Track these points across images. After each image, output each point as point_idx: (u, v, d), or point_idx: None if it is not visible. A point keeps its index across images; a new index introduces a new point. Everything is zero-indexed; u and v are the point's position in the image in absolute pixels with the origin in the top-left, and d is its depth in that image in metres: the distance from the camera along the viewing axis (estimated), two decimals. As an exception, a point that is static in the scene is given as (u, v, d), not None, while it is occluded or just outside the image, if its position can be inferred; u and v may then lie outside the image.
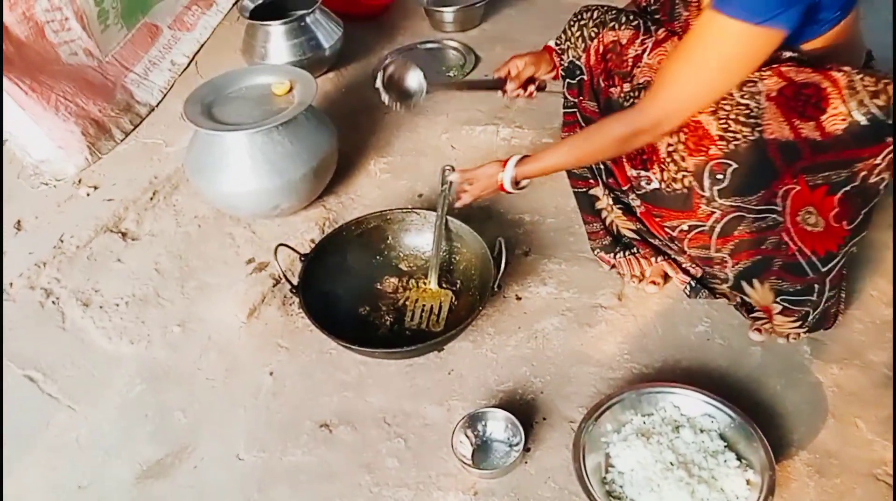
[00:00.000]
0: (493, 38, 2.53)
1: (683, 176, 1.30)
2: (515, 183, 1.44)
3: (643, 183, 1.38)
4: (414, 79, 1.56)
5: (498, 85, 1.62)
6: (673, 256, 1.57)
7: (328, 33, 2.33)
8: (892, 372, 1.39)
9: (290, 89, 1.84)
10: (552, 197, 1.89)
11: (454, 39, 2.53)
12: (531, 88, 1.62)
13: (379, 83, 1.53)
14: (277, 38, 2.28)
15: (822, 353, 1.44)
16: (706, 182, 1.27)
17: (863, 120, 1.13)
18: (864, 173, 1.19)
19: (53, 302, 1.76)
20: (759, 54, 1.15)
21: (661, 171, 1.32)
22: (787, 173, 1.23)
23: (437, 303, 1.61)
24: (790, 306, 1.38)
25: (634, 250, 1.60)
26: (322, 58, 2.34)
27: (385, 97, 1.54)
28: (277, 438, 1.43)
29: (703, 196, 1.29)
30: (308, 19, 2.29)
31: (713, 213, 1.31)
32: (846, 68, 1.15)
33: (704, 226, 1.34)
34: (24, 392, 1.56)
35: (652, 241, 1.56)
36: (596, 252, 1.65)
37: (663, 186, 1.34)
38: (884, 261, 1.58)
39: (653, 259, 1.60)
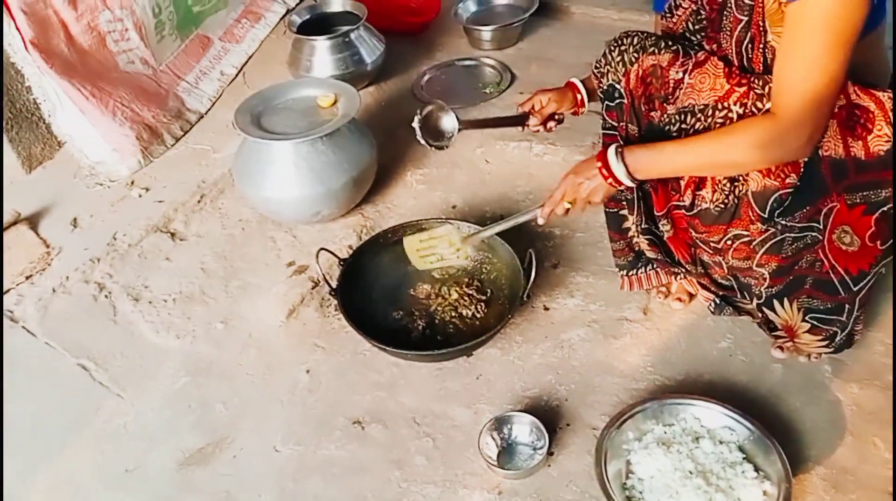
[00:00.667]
0: (529, 56, 2.60)
1: (739, 197, 1.35)
2: (631, 176, 1.32)
3: (696, 201, 1.41)
4: (448, 122, 1.64)
5: (521, 120, 1.68)
6: (695, 278, 1.61)
7: (371, 49, 2.42)
8: (892, 380, 1.42)
9: (335, 102, 1.93)
10: (583, 213, 1.94)
11: (491, 57, 2.61)
12: (550, 123, 1.68)
13: (416, 124, 1.61)
14: (322, 53, 2.38)
15: (843, 372, 1.47)
16: (770, 205, 1.32)
17: None
18: None
19: (106, 296, 1.87)
20: (857, 23, 1.11)
21: (713, 192, 1.37)
22: (834, 191, 1.28)
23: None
24: (819, 325, 1.42)
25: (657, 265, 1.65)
26: (364, 72, 2.42)
27: (420, 137, 1.62)
28: (312, 432, 1.50)
29: (760, 216, 1.34)
30: (352, 35, 2.39)
31: (767, 231, 1.35)
32: (890, 91, 1.19)
33: (752, 238, 1.38)
34: (77, 380, 1.66)
35: (674, 268, 1.60)
36: (620, 273, 1.68)
37: (712, 206, 1.40)
38: (908, 285, 1.61)
39: (674, 278, 1.64)
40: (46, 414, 1.59)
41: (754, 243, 1.39)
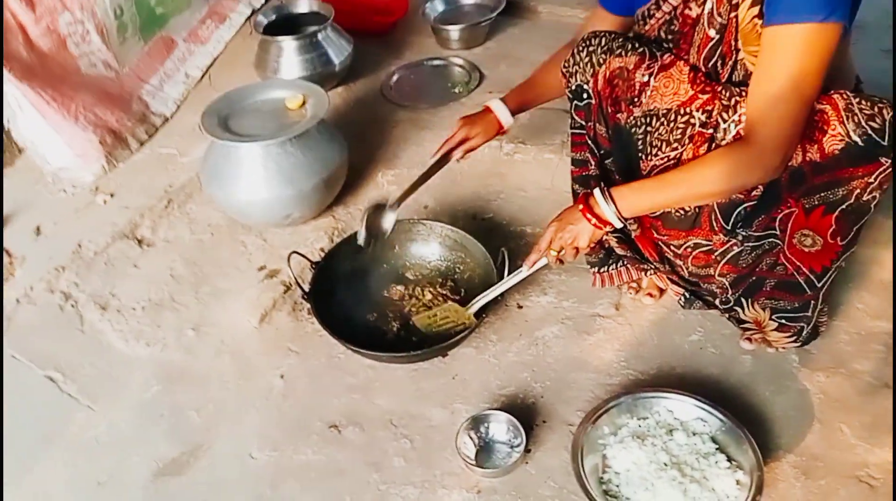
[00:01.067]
0: (497, 55, 2.61)
1: (700, 206, 1.38)
2: (622, 217, 1.32)
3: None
4: (387, 221, 1.66)
5: (445, 161, 1.70)
6: (664, 274, 1.63)
7: (339, 49, 2.41)
8: (893, 381, 1.45)
9: (304, 103, 1.91)
10: (553, 210, 1.90)
11: (460, 56, 2.60)
12: (468, 145, 1.69)
13: (360, 233, 1.64)
14: (290, 53, 2.35)
15: (810, 362, 1.51)
16: (734, 218, 1.36)
17: (859, 141, 1.19)
18: (857, 191, 1.24)
19: (72, 305, 1.83)
20: (834, 44, 1.13)
21: None
22: (790, 198, 1.31)
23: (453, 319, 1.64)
24: (786, 323, 1.45)
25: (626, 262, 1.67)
26: (332, 73, 2.41)
27: (362, 240, 1.64)
28: (288, 437, 1.49)
29: (723, 228, 1.37)
30: (319, 35, 2.37)
31: (728, 242, 1.39)
32: (843, 92, 1.21)
33: (712, 248, 1.42)
34: (44, 392, 1.62)
35: (643, 264, 1.63)
36: (591, 270, 1.70)
37: (672, 211, 1.42)
38: (868, 275, 1.65)
39: (645, 274, 1.67)
40: (15, 429, 1.54)
41: (716, 254, 1.43)
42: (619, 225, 1.34)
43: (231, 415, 1.55)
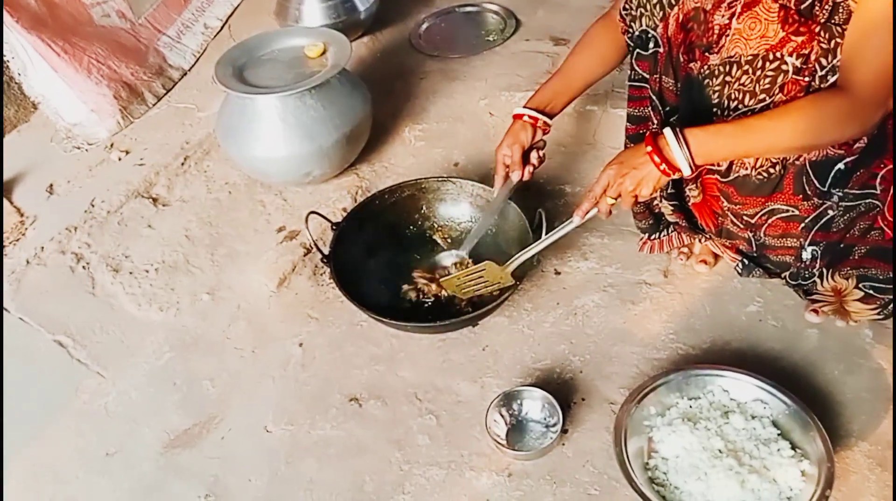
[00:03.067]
0: (534, 0, 2.42)
1: (786, 166, 1.21)
2: (693, 162, 1.15)
3: (735, 166, 1.27)
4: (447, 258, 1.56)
5: (513, 188, 1.50)
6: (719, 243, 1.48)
7: (364, -5, 2.26)
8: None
9: (324, 52, 1.77)
10: (594, 167, 1.80)
11: (494, 3, 2.43)
12: (533, 160, 1.48)
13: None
14: (312, 1, 2.21)
15: (885, 337, 1.35)
16: (832, 177, 1.18)
17: None
18: None
19: (84, 267, 1.75)
20: None
21: (758, 158, 1.22)
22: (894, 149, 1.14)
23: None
24: (874, 294, 1.29)
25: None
26: (357, 21, 2.27)
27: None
28: (306, 411, 1.40)
29: (818, 190, 1.20)
30: (343, -20, 2.22)
31: (820, 206, 1.22)
32: None
33: (795, 215, 1.25)
34: (53, 358, 1.56)
35: (696, 233, 1.47)
36: (641, 237, 1.55)
37: (754, 174, 1.25)
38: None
39: (698, 239, 1.51)
40: (21, 395, 1.49)
41: (806, 221, 1.25)
42: (688, 172, 1.16)
43: (246, 385, 1.46)
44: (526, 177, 1.48)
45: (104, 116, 2.10)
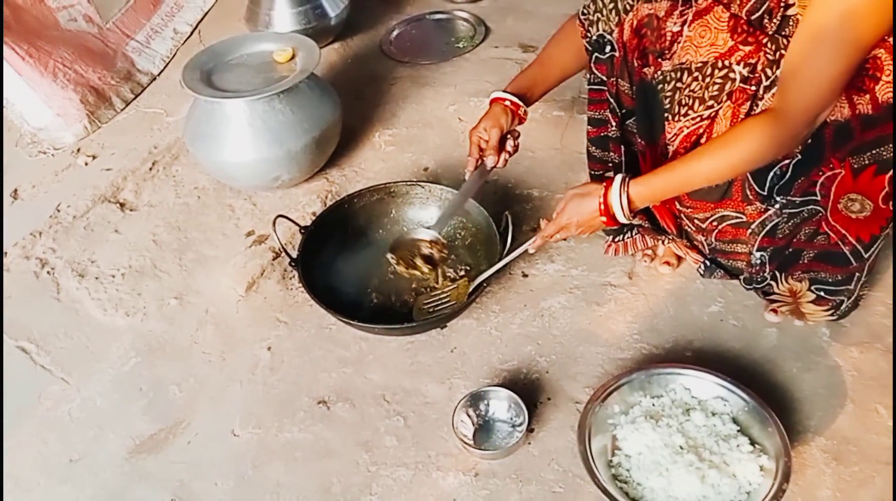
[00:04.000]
0: (504, 8, 2.45)
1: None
2: (632, 211, 1.23)
3: None
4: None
5: (484, 175, 1.47)
6: (681, 244, 1.51)
7: (334, 2, 2.27)
8: (893, 345, 1.34)
9: (293, 57, 1.78)
10: (562, 172, 1.83)
11: (464, 10, 2.46)
12: (508, 147, 1.46)
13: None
14: (282, 6, 2.22)
15: (842, 336, 1.38)
16: (770, 181, 1.21)
17: None
18: None
19: (48, 272, 1.72)
20: (884, 15, 1.02)
21: None
22: (834, 158, 1.17)
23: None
24: (825, 297, 1.33)
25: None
26: (328, 27, 2.27)
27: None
28: (274, 414, 1.39)
29: (759, 195, 1.23)
30: (313, -14, 2.22)
31: (765, 211, 1.25)
32: None
33: (741, 220, 1.29)
34: (16, 364, 1.53)
35: (659, 234, 1.51)
36: (606, 239, 1.58)
37: None
38: (908, 241, 1.51)
39: (661, 241, 1.54)
40: (-18, 402, 1.46)
41: (752, 226, 1.29)
42: (625, 222, 1.25)
43: (214, 390, 1.45)
44: (500, 164, 1.46)
45: (70, 120, 2.07)
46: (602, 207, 1.23)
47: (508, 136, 1.45)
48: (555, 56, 1.45)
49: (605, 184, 1.24)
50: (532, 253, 1.38)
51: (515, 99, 1.41)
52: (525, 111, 1.44)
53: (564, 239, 1.34)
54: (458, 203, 1.50)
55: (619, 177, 1.22)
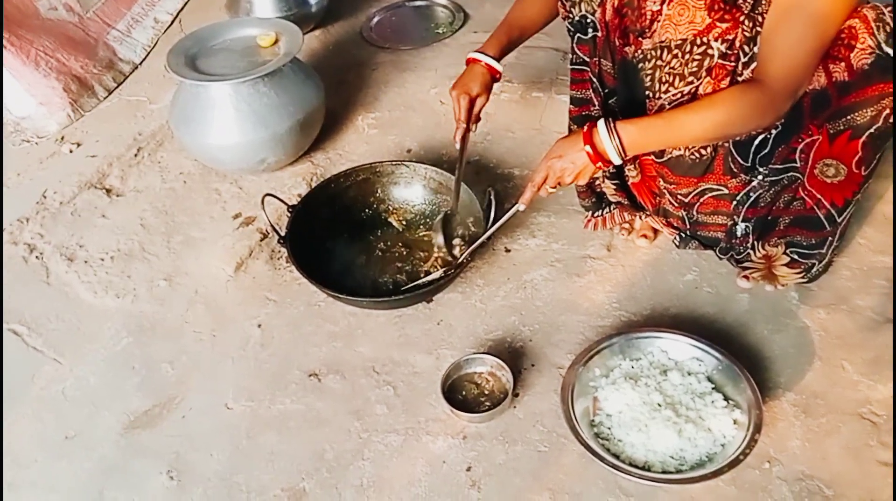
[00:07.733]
0: (482, -6, 2.49)
1: (716, 148, 1.28)
2: (624, 154, 1.20)
3: (668, 149, 1.34)
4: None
5: (468, 138, 1.50)
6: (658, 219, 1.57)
7: (314, -11, 2.29)
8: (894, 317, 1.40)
9: (276, 41, 1.80)
10: (542, 152, 1.81)
11: (443, -4, 2.50)
12: (477, 109, 1.48)
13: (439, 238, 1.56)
14: (262, -7, 2.24)
15: (810, 299, 1.45)
16: (752, 153, 1.26)
17: (892, 52, 1.09)
18: (886, 112, 1.15)
19: (37, 257, 1.74)
20: None
21: None
22: (812, 125, 1.22)
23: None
24: (798, 260, 1.38)
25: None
26: (308, 14, 2.30)
27: (440, 245, 1.57)
28: (266, 387, 1.42)
29: (742, 166, 1.27)
30: (294, -27, 2.25)
31: (747, 184, 1.29)
32: (874, 4, 1.11)
33: (723, 192, 1.33)
34: (8, 346, 1.55)
35: (637, 211, 1.56)
36: (586, 214, 1.63)
37: (687, 152, 1.33)
38: (873, 210, 1.58)
39: (638, 216, 1.60)
40: (-25, 384, 1.48)
41: (738, 197, 1.34)
42: (618, 162, 1.22)
43: (206, 367, 1.48)
44: (472, 127, 1.48)
45: (54, 109, 2.08)
46: (585, 142, 1.21)
47: (479, 97, 1.47)
48: (523, 14, 1.47)
49: (583, 131, 1.24)
50: (523, 210, 1.34)
51: (493, 63, 1.43)
52: (500, 73, 1.46)
53: (555, 187, 1.27)
54: (459, 177, 1.55)
55: (601, 120, 1.21)
